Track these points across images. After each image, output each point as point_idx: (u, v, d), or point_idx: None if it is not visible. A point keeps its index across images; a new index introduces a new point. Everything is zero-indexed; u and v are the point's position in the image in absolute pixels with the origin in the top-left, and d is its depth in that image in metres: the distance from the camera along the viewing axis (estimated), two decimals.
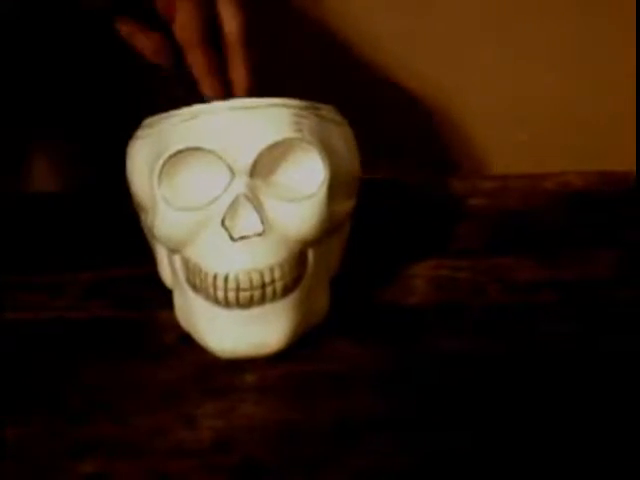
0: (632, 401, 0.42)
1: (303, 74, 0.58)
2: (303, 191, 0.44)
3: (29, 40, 0.66)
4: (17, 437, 0.41)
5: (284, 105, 0.44)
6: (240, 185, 0.43)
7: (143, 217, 0.49)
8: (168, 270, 0.47)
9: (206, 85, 0.48)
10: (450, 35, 0.70)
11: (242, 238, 0.42)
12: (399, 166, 0.73)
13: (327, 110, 0.47)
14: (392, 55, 0.70)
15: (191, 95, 0.48)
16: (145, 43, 0.49)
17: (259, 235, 0.42)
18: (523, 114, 0.73)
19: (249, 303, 0.42)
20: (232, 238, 0.42)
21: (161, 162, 0.43)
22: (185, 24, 0.47)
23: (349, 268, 0.49)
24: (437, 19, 0.69)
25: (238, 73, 0.48)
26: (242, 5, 0.48)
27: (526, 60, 0.71)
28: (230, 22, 0.48)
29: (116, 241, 0.56)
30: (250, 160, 0.43)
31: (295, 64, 0.49)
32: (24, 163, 0.73)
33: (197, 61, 0.48)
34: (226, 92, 0.48)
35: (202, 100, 0.47)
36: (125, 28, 0.49)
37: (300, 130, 0.44)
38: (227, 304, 0.42)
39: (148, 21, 0.49)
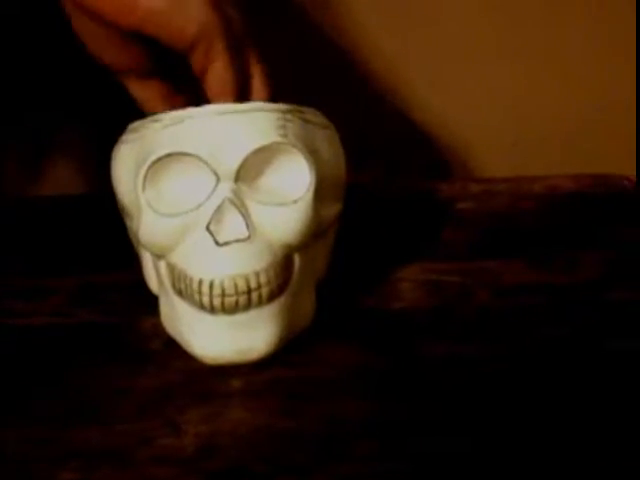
0: (624, 403, 0.41)
1: (289, 77, 0.58)
2: (289, 195, 0.43)
3: (42, 37, 0.65)
4: None
5: (269, 109, 0.44)
6: (225, 190, 0.42)
7: (128, 222, 0.48)
8: (154, 276, 0.47)
9: None
10: (440, 39, 0.70)
11: (227, 243, 0.42)
12: (386, 170, 0.73)
13: (312, 114, 0.47)
14: (379, 58, 0.70)
15: None
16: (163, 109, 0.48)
17: (244, 240, 0.42)
18: (514, 117, 0.73)
19: (234, 309, 0.42)
20: (217, 243, 0.42)
21: (146, 167, 0.43)
22: (216, 83, 0.46)
23: (336, 272, 0.49)
24: (428, 22, 0.69)
25: None
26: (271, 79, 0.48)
27: (518, 63, 0.71)
28: (259, 91, 0.48)
29: (102, 247, 0.55)
30: (235, 165, 0.42)
31: (280, 66, 0.49)
32: (35, 165, 0.73)
33: None
34: None
35: None
36: (143, 93, 0.49)
37: (285, 134, 0.43)
38: (212, 310, 0.42)
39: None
